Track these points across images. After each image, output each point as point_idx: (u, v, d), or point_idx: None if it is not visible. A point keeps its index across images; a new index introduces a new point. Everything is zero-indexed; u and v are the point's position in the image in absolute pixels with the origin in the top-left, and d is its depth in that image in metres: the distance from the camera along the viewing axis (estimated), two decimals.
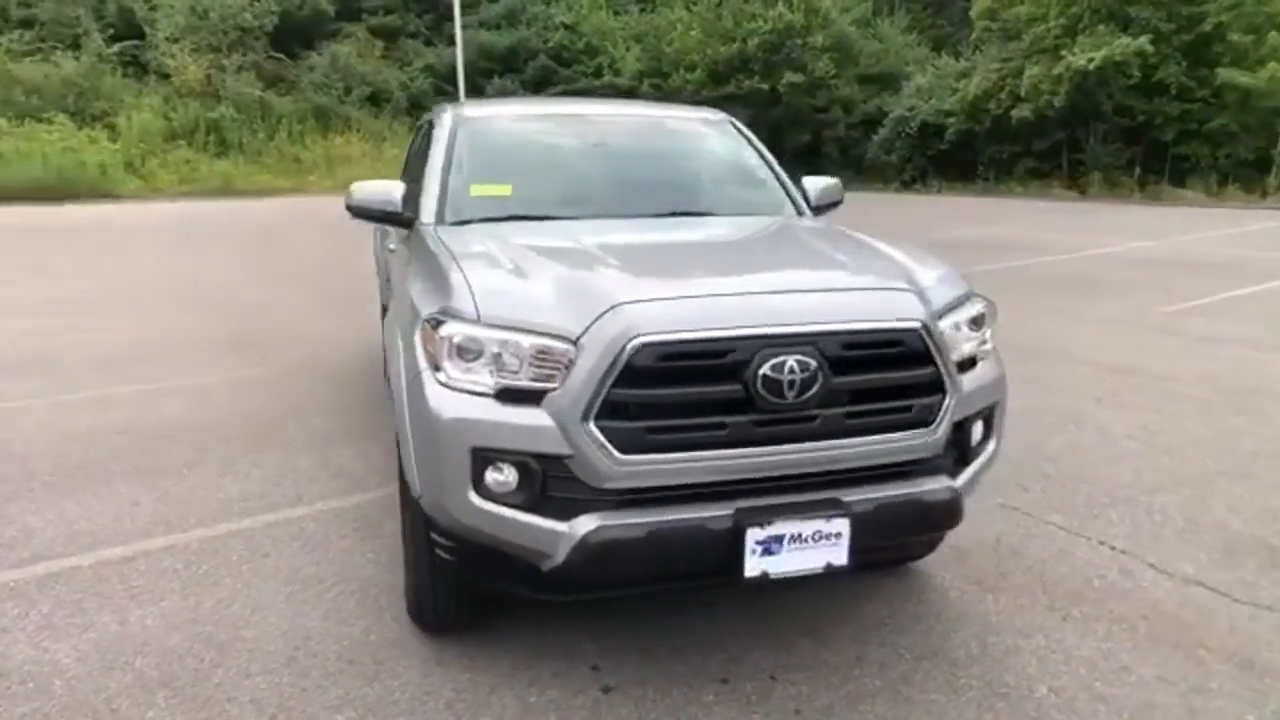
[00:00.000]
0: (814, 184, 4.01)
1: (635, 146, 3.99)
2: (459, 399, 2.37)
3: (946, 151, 27.23)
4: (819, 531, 2.38)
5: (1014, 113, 24.80)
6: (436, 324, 2.43)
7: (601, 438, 2.26)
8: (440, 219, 3.43)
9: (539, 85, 30.59)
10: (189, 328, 7.85)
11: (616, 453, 2.27)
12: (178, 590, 3.30)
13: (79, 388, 5.92)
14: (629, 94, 31.37)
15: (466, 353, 2.37)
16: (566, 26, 32.24)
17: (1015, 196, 24.33)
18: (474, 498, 2.36)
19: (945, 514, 2.58)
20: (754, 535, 2.33)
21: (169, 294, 9.59)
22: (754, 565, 2.35)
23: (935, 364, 2.50)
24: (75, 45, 25.58)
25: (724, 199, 3.80)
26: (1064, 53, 23.64)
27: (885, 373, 2.47)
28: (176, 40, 26.22)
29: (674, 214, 3.57)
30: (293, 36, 29.94)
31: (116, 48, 26.05)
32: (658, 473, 2.32)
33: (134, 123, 23.60)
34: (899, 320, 2.47)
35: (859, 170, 29.84)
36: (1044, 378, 6.24)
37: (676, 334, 2.29)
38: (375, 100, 29.29)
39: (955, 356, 2.64)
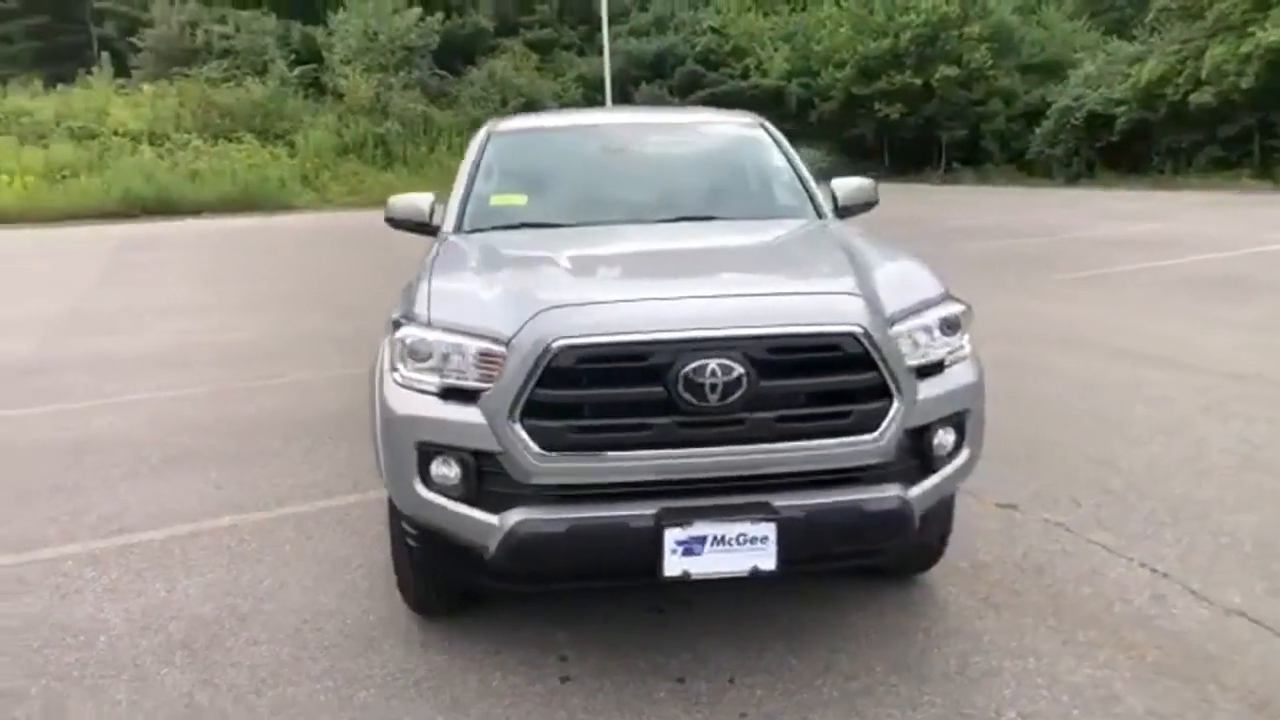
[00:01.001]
0: (843, 186, 3.94)
1: (655, 154, 4.07)
2: (409, 397, 2.54)
3: (1117, 143, 25.30)
4: (744, 534, 2.39)
5: (1193, 98, 22.70)
6: (396, 327, 2.62)
7: (525, 435, 2.37)
8: (458, 228, 3.64)
9: (686, 90, 30.89)
10: (319, 327, 8.54)
11: (540, 450, 2.37)
12: (224, 565, 3.67)
13: (202, 382, 6.60)
14: (776, 95, 31.13)
15: (418, 354, 2.54)
16: (714, 30, 32.37)
17: (1194, 189, 22.28)
18: (420, 489, 2.53)
19: (890, 525, 2.51)
20: (674, 535, 2.37)
21: (313, 296, 10.44)
22: (674, 565, 2.39)
23: (878, 369, 2.44)
24: (263, 71, 28.13)
25: (738, 204, 3.80)
26: (1253, 29, 21.44)
27: (819, 377, 2.44)
28: (349, 62, 28.30)
29: (681, 219, 3.62)
30: (455, 53, 31.67)
31: (297, 71, 28.44)
32: (581, 471, 2.41)
33: (310, 139, 25.67)
34: (833, 324, 2.44)
35: (1021, 165, 28.26)
36: (1150, 386, 5.79)
37: (596, 337, 2.37)
38: (530, 111, 30.46)
39: (914, 361, 2.57)
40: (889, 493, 2.50)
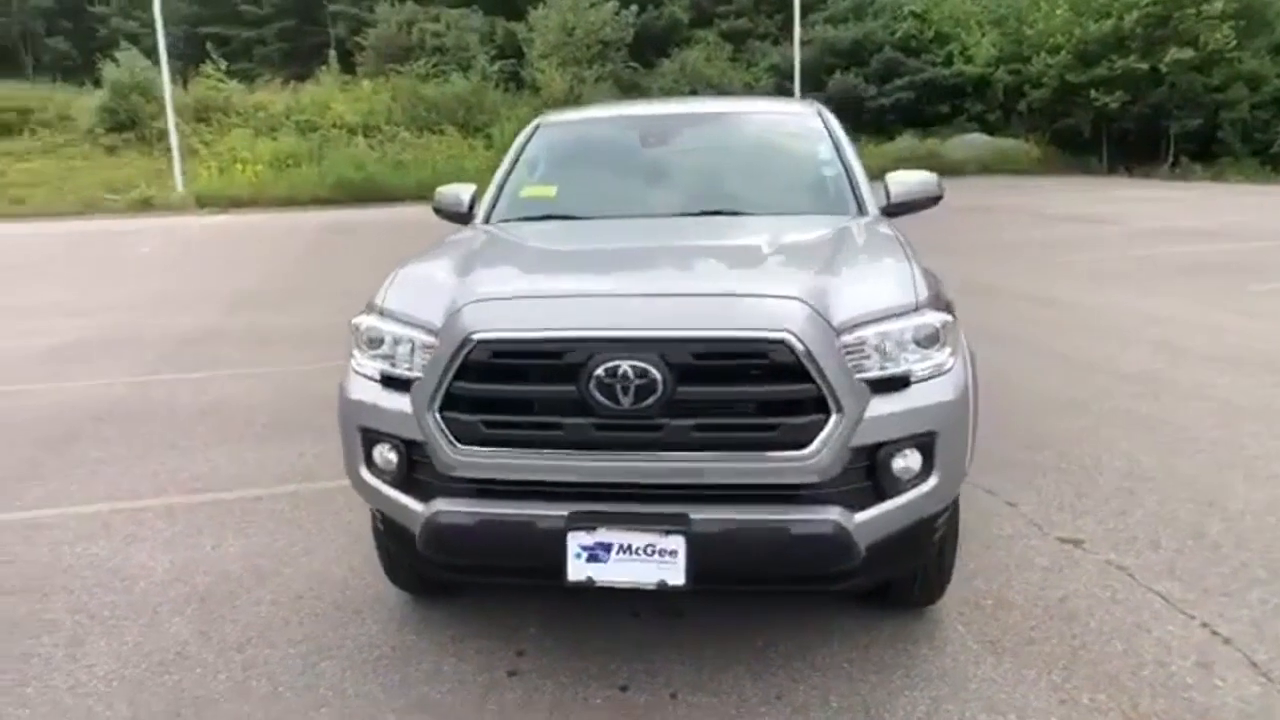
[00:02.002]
0: (899, 180, 3.65)
1: (694, 147, 3.94)
2: (359, 383, 2.62)
3: None
4: (652, 546, 2.28)
5: None
6: (359, 315, 2.70)
7: (443, 426, 2.37)
8: (487, 219, 3.70)
9: (884, 78, 29.68)
10: None
11: (456, 443, 2.37)
12: (269, 529, 3.95)
13: (341, 358, 7.09)
14: (980, 83, 29.32)
15: (371, 342, 2.61)
16: (916, 15, 30.85)
17: None
18: (364, 471, 2.61)
19: (823, 552, 2.30)
20: (578, 539, 2.30)
21: None
22: (578, 570, 2.32)
23: (814, 380, 2.24)
24: (467, 67, 29.78)
25: (769, 199, 3.59)
26: None
27: (745, 386, 2.28)
28: (547, 56, 29.41)
29: (706, 214, 3.48)
30: (649, 46, 32.14)
31: (497, 66, 29.89)
32: (495, 467, 2.38)
33: (506, 132, 26.91)
34: (760, 330, 2.26)
35: (1266, 159, 25.01)
36: None
37: (512, 333, 2.33)
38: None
39: (869, 374, 2.34)
40: (823, 516, 2.29)
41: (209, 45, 32.45)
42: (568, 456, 2.33)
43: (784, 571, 2.42)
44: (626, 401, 2.24)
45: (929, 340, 2.44)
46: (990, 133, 29.19)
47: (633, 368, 2.23)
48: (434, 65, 29.65)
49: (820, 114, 3.92)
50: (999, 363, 5.80)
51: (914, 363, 2.41)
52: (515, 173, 3.89)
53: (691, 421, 2.27)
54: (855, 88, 29.57)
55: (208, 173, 23.55)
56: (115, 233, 18.04)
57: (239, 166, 23.59)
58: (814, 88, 30.09)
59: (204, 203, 22.42)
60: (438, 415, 2.38)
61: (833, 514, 2.30)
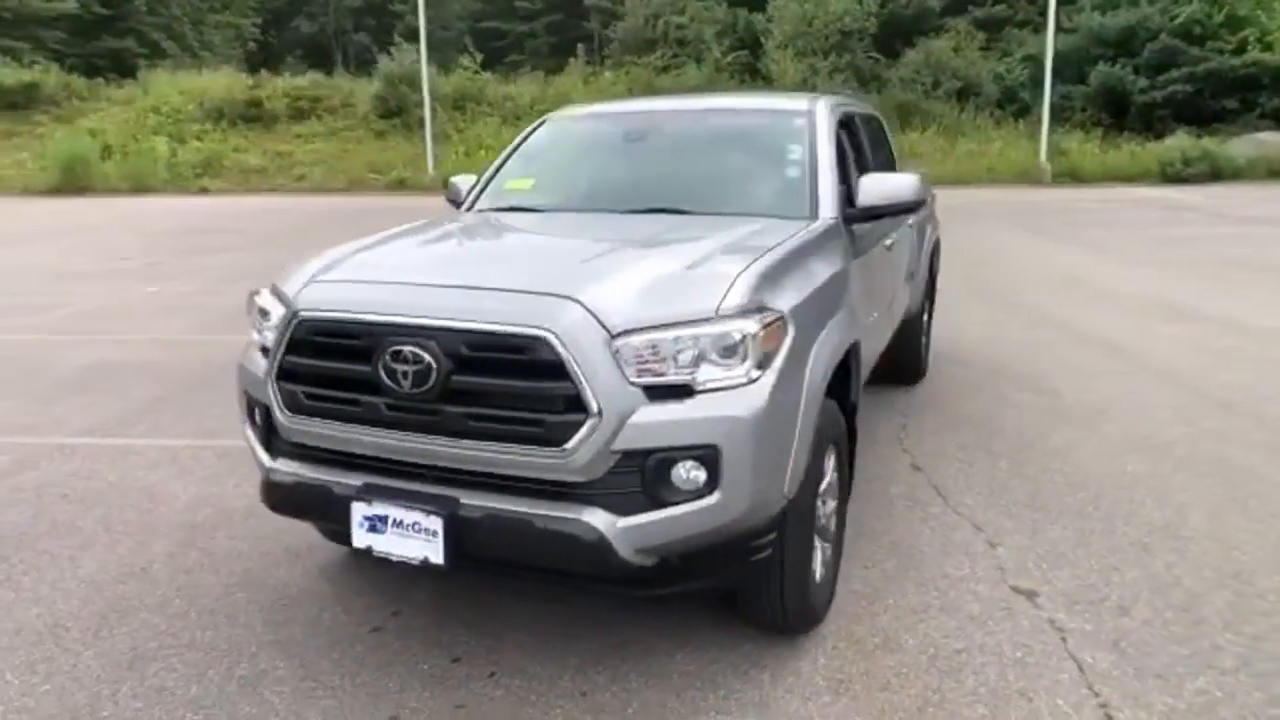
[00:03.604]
0: (871, 185, 3.45)
1: (668, 143, 3.92)
2: (248, 352, 2.94)
3: None
4: (418, 524, 2.40)
5: None
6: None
7: (278, 394, 2.63)
8: (468, 207, 3.92)
9: (1157, 69, 26.43)
10: None
11: (286, 410, 2.61)
12: None
13: None
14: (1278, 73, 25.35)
15: (261, 313, 2.91)
16: None
17: None
18: (247, 429, 2.93)
19: (573, 550, 2.29)
20: (361, 509, 2.47)
21: None
22: (360, 538, 2.49)
23: (572, 380, 2.25)
24: (700, 58, 30.18)
25: (720, 198, 3.51)
26: None
27: (511, 380, 2.32)
28: (785, 47, 29.12)
29: (650, 211, 3.48)
30: (895, 35, 30.85)
31: (730, 58, 30.01)
32: (312, 435, 2.60)
33: None
34: (524, 326, 2.29)
35: None
36: None
37: (325, 313, 2.53)
38: (963, 95, 28.64)
39: (646, 379, 2.30)
40: (574, 515, 2.29)
41: (468, 39, 35.23)
42: (364, 432, 2.50)
43: (541, 564, 2.45)
44: (406, 385, 2.37)
45: (726, 351, 2.34)
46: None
47: (412, 353, 2.35)
48: (672, 56, 30.34)
49: (811, 114, 3.74)
50: None
51: (701, 373, 2.33)
52: (509, 165, 4.07)
53: (464, 410, 2.36)
54: (1122, 80, 26.62)
55: (455, 157, 25.73)
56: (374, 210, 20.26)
57: (482, 152, 25.55)
58: (1074, 80, 27.52)
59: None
60: (275, 384, 2.64)
61: (589, 514, 2.29)
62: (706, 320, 2.35)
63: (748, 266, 2.56)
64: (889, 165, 4.98)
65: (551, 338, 2.26)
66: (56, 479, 4.41)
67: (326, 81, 31.22)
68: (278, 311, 2.73)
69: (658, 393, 2.31)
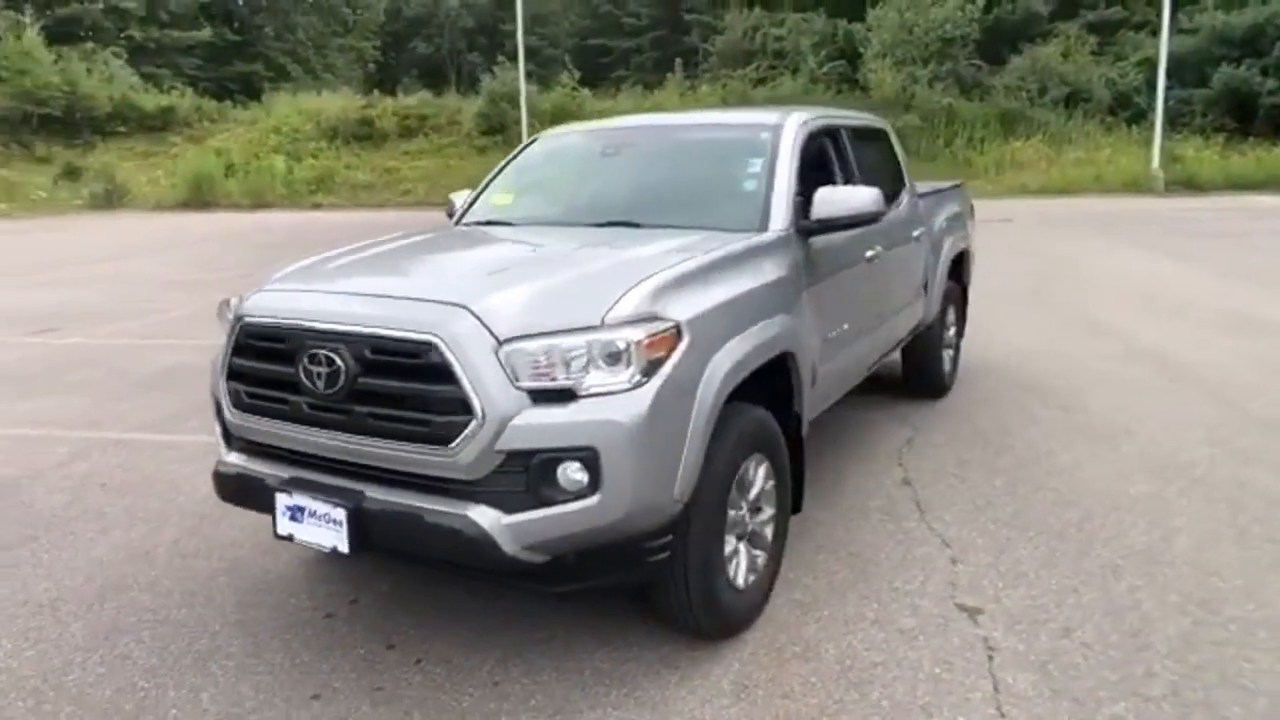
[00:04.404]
0: (825, 198, 3.47)
1: (639, 159, 4.04)
2: (217, 354, 3.21)
3: None
4: (327, 514, 2.58)
5: None
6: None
7: (226, 392, 2.87)
8: (457, 221, 4.13)
9: None
10: None
11: (233, 407, 2.86)
12: None
13: None
14: None
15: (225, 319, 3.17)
16: None
17: None
18: (216, 426, 3.19)
19: (458, 544, 2.43)
20: (283, 500, 2.68)
21: None
22: (285, 526, 2.70)
23: (458, 383, 2.39)
24: (796, 70, 29.98)
25: (673, 212, 3.59)
26: None
27: (406, 382, 2.49)
28: (884, 56, 28.63)
29: (609, 225, 3.60)
30: (1001, 41, 29.88)
31: (826, 68, 29.69)
32: (251, 430, 2.83)
33: None
34: (415, 332, 2.45)
35: None
36: None
37: (258, 319, 2.76)
38: (1071, 101, 27.49)
39: (531, 383, 2.43)
40: (459, 511, 2.43)
41: (567, 57, 35.99)
42: (291, 428, 2.71)
43: (434, 555, 2.60)
44: (321, 386, 2.57)
45: (610, 359, 2.44)
46: None
47: (325, 356, 2.56)
48: (769, 68, 30.28)
49: (778, 128, 3.77)
50: None
51: (586, 379, 2.43)
52: (497, 180, 4.27)
53: (369, 409, 2.54)
54: (1248, 81, 25.00)
55: None
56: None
57: None
58: (1195, 83, 26.06)
59: None
60: (225, 383, 2.89)
61: (474, 511, 2.43)
62: (592, 329, 2.46)
63: (649, 277, 2.66)
64: (895, 177, 4.94)
65: (439, 343, 2.41)
66: (101, 469, 4.85)
67: (434, 100, 32.52)
68: (229, 316, 2.99)
69: (543, 397, 2.43)
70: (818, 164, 4.06)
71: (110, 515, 4.22)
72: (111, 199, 26.19)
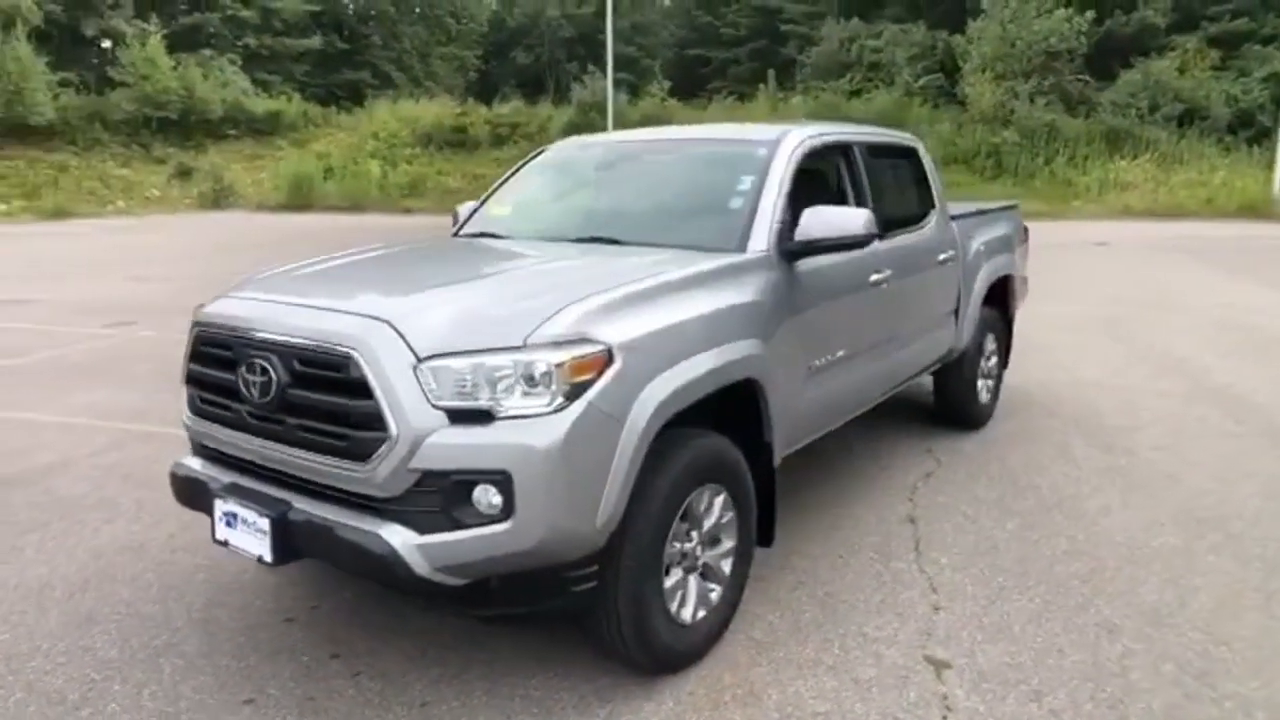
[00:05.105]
0: (811, 219, 3.32)
1: (631, 175, 3.97)
2: None
3: None
4: (254, 523, 2.59)
5: None
6: None
7: (186, 396, 2.93)
8: (457, 232, 4.14)
9: None
10: None
11: (189, 411, 2.91)
12: None
13: None
14: None
15: None
16: None
17: None
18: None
19: (370, 562, 2.40)
20: (220, 505, 2.71)
21: None
22: (221, 531, 2.72)
23: (374, 398, 2.37)
24: (891, 82, 29.30)
25: (655, 229, 3.51)
26: None
27: (330, 396, 2.48)
28: (984, 69, 27.70)
29: (594, 240, 3.54)
30: (1111, 54, 28.56)
31: (922, 81, 28.90)
32: (203, 434, 2.88)
33: None
34: (335, 346, 2.45)
35: None
36: None
37: (209, 327, 2.81)
38: (1186, 119, 26.02)
39: (450, 402, 2.38)
40: (370, 528, 2.41)
41: (657, 67, 36.13)
42: (234, 435, 2.74)
43: (351, 570, 2.58)
44: (256, 395, 2.59)
45: (531, 381, 2.38)
46: None
47: (260, 366, 2.57)
48: (864, 80, 29.72)
49: (775, 144, 3.63)
50: None
51: (506, 400, 2.37)
52: (500, 191, 4.26)
53: (298, 421, 2.54)
54: None
55: None
56: None
57: None
58: None
59: None
60: (186, 386, 2.94)
61: (385, 529, 2.40)
62: (514, 349, 2.40)
63: (587, 298, 2.58)
64: (921, 198, 4.72)
65: (357, 357, 2.40)
66: (129, 461, 5.05)
67: (526, 109, 33.10)
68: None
69: (461, 417, 2.38)
70: (821, 183, 3.91)
71: (121, 506, 4.37)
72: (219, 198, 27.55)
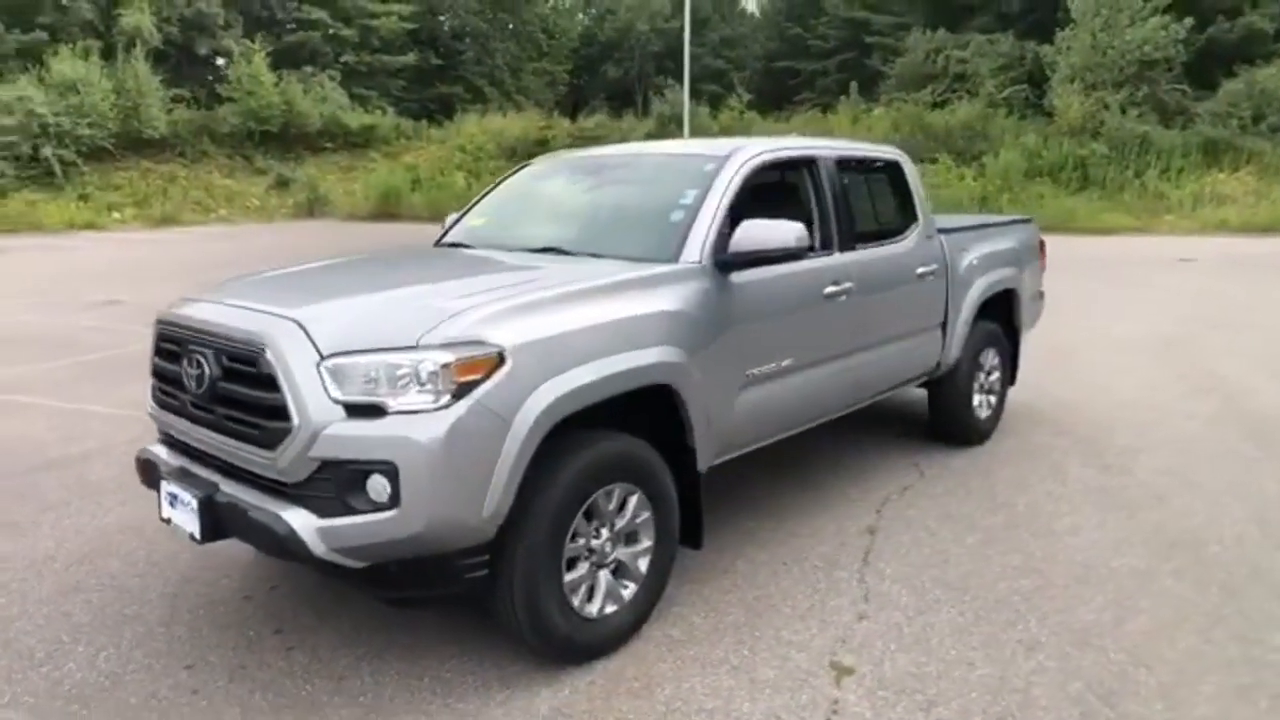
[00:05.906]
0: (745, 232, 3.42)
1: (594, 188, 4.12)
2: None
3: None
4: (186, 503, 2.85)
5: None
6: None
7: (150, 388, 3.23)
8: (438, 241, 4.38)
9: None
10: None
11: (151, 400, 3.21)
12: None
13: None
14: None
15: None
16: None
17: None
18: None
19: (272, 541, 2.62)
20: (165, 486, 2.98)
21: None
22: (166, 510, 3.00)
23: (280, 391, 2.59)
24: (975, 93, 28.60)
25: (601, 239, 3.66)
26: None
27: (248, 388, 2.71)
28: (1073, 79, 26.81)
29: (544, 250, 3.71)
30: (1213, 62, 27.25)
31: (1007, 92, 28.11)
32: (161, 422, 3.17)
33: (1000, 160, 25.36)
34: (249, 342, 2.69)
35: None
36: None
37: (166, 322, 3.09)
38: None
39: (350, 397, 2.58)
40: (275, 510, 2.63)
41: (735, 78, 36.17)
42: (181, 423, 3.01)
43: (263, 548, 2.80)
44: (192, 386, 2.85)
45: (421, 379, 2.56)
46: None
47: (197, 359, 2.85)
48: (949, 91, 29.14)
49: (725, 159, 3.73)
50: None
51: (396, 397, 2.56)
52: (483, 202, 4.49)
53: (225, 411, 2.79)
54: None
55: None
56: None
57: None
58: None
59: None
60: (151, 378, 3.24)
61: (289, 512, 2.61)
62: (408, 349, 2.59)
63: (489, 303, 2.76)
64: (901, 212, 4.73)
65: (267, 352, 2.63)
66: None
67: (608, 122, 33.60)
68: None
69: (356, 410, 2.58)
70: (779, 197, 3.99)
71: (138, 489, 4.72)
72: (313, 208, 28.90)
